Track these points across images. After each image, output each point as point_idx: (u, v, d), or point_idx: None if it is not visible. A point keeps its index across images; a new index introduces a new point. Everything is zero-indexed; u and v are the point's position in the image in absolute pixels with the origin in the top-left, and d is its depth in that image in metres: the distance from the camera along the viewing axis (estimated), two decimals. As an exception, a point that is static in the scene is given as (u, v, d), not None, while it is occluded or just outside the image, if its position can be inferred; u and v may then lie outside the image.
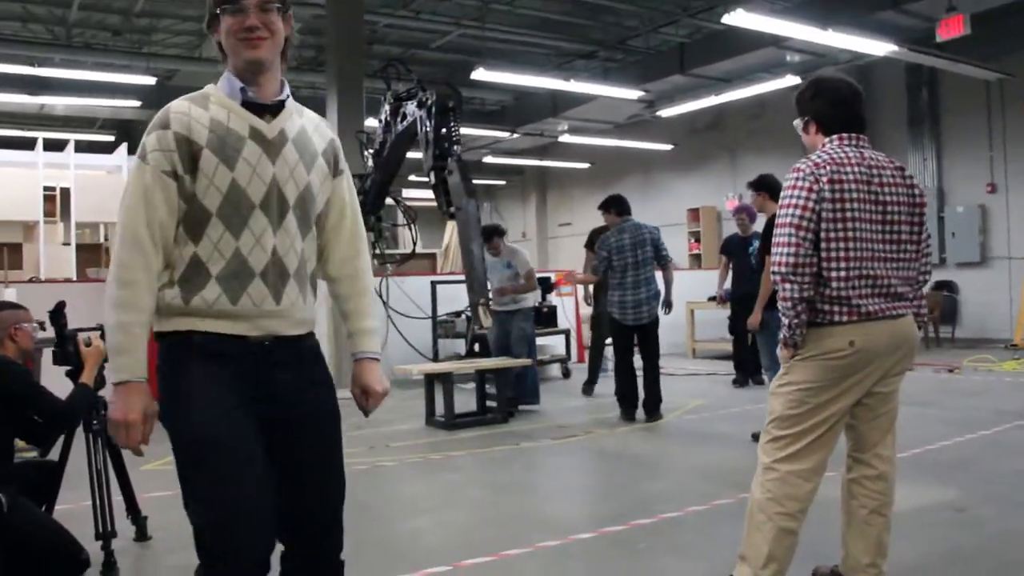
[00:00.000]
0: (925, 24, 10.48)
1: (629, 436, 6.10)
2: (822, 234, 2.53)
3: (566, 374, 9.72)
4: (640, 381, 6.61)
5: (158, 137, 1.83)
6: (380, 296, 8.12)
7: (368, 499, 4.38)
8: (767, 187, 5.63)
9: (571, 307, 10.79)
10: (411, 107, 6.11)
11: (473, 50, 12.63)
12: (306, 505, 1.94)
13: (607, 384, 7.47)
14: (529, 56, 13.10)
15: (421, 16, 11.24)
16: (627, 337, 6.68)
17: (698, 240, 15.71)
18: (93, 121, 15.06)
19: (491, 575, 3.26)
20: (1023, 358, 9.62)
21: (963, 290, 12.17)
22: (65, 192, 12.08)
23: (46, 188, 11.92)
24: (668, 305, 6.84)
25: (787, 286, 2.53)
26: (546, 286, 9.75)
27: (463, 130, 5.87)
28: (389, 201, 7.96)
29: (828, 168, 2.55)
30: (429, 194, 5.84)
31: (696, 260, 15.53)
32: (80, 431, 3.41)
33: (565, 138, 15.87)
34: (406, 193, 10.16)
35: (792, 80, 11.19)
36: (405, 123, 6.29)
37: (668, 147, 16.15)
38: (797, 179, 2.57)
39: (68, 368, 3.38)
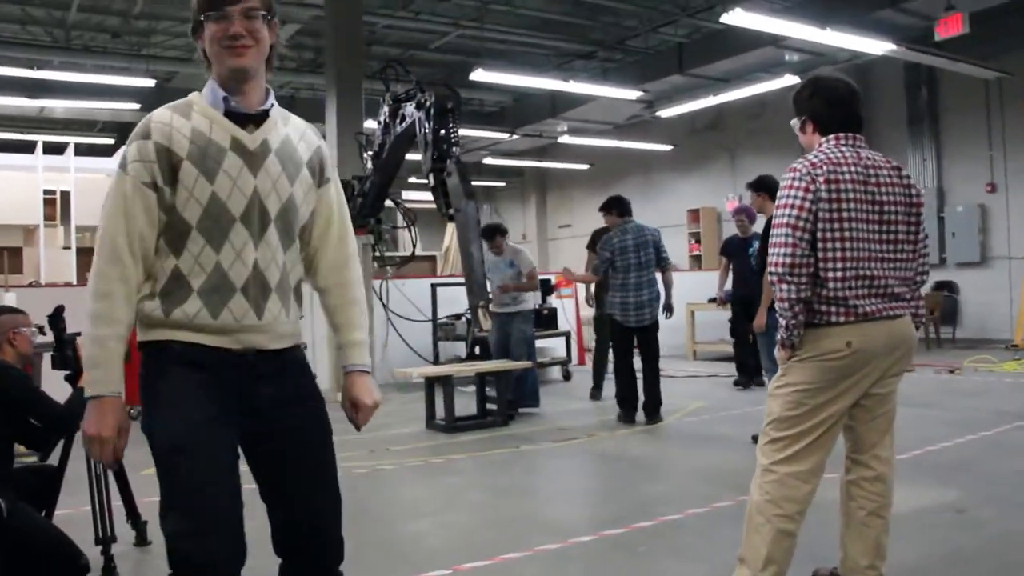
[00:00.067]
0: (924, 23, 10.49)
1: (629, 439, 6.09)
2: (819, 234, 2.52)
3: (566, 376, 9.69)
4: (640, 383, 6.59)
5: (139, 147, 1.81)
6: (380, 299, 8.13)
7: (368, 502, 4.38)
8: (766, 188, 5.62)
9: (571, 309, 10.78)
10: (410, 109, 6.12)
11: (472, 51, 12.63)
12: (295, 518, 1.92)
13: (607, 386, 7.46)
14: (528, 57, 13.10)
15: (420, 17, 11.24)
16: (627, 339, 6.66)
17: (698, 241, 15.69)
18: (93, 124, 15.04)
19: (491, 578, 3.26)
20: (1023, 359, 9.61)
21: (963, 290, 12.15)
22: (65, 195, 12.08)
23: (46, 191, 11.92)
24: (669, 309, 6.81)
25: (784, 286, 2.53)
26: (546, 288, 9.74)
27: (462, 132, 5.87)
28: (389, 203, 7.97)
29: (825, 168, 2.55)
30: (429, 196, 5.83)
31: (696, 261, 15.51)
32: (79, 436, 3.40)
33: (565, 139, 15.85)
34: (406, 195, 10.17)
35: (791, 79, 11.16)
36: (404, 125, 6.30)
37: (668, 148, 16.15)
38: (793, 179, 2.57)
39: (67, 372, 3.38)
